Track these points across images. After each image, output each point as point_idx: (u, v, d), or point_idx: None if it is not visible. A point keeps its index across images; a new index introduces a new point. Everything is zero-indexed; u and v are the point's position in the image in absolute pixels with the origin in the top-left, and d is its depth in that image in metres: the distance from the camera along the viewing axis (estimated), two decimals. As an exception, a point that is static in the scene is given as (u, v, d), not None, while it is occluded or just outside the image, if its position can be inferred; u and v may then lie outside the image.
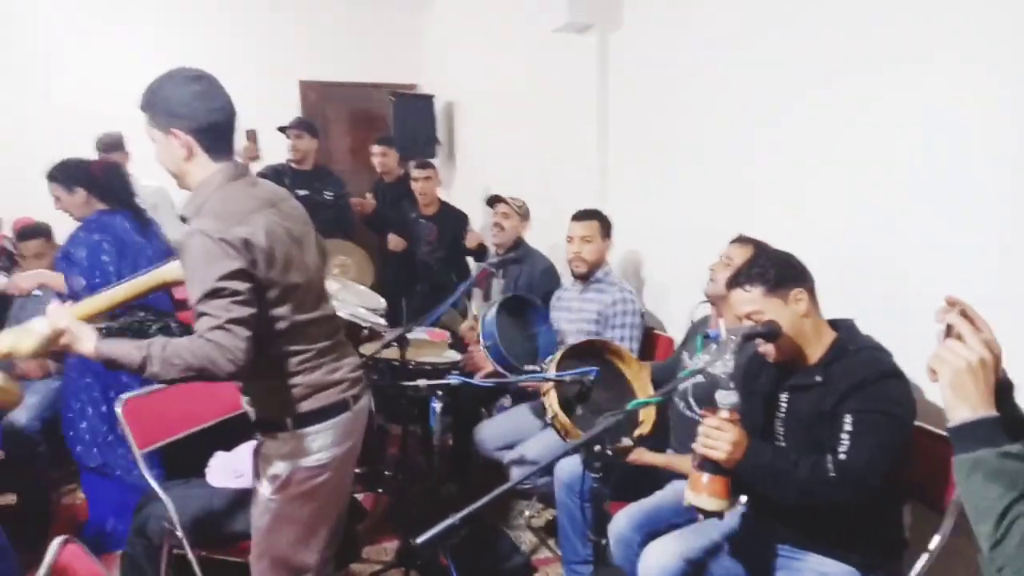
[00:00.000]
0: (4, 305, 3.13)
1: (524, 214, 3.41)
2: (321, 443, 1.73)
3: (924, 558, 1.68)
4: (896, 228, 2.01)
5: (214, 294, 1.49)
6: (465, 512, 1.45)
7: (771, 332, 1.68)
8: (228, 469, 2.37)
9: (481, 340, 2.63)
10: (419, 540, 1.40)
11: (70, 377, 2.78)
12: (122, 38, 5.60)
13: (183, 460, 2.44)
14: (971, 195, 1.80)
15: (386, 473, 2.97)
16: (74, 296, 2.58)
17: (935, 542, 1.67)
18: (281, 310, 1.64)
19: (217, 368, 1.49)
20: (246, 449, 2.45)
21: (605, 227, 2.90)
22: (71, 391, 2.76)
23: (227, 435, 2.49)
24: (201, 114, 1.60)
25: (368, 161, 4.96)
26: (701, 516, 1.58)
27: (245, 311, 1.52)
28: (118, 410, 2.17)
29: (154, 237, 2.92)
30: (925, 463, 1.67)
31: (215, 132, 1.63)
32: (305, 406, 1.71)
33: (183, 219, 1.67)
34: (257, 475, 1.79)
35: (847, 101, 2.15)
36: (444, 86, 5.68)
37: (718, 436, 1.54)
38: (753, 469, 1.57)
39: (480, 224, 4.53)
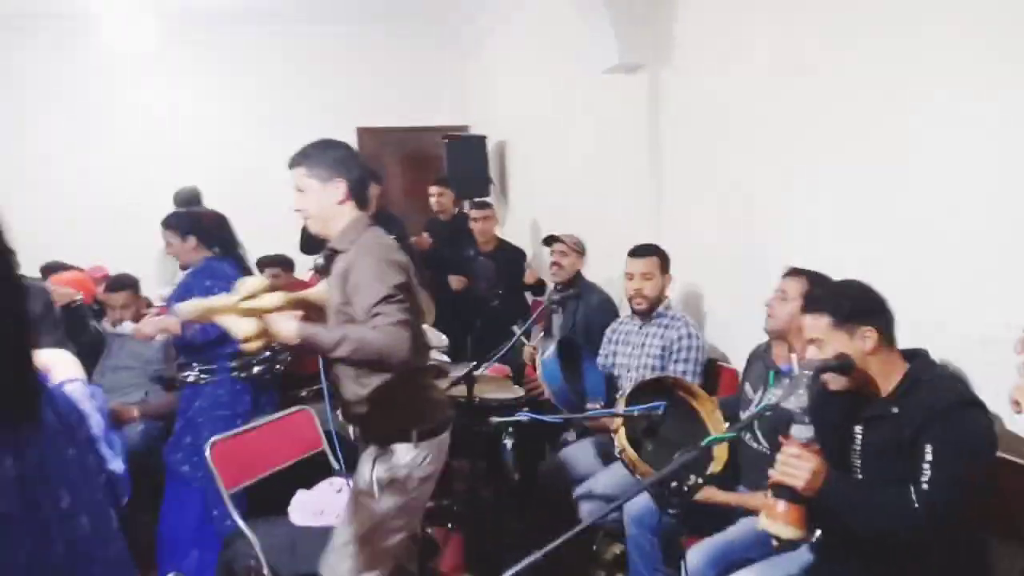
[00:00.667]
0: (98, 349, 3.33)
1: (581, 250, 3.47)
2: (431, 457, 1.99)
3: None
4: (965, 256, 2.00)
5: (389, 299, 1.79)
6: (547, 548, 1.49)
7: (844, 366, 1.68)
8: (309, 507, 2.47)
9: (546, 386, 2.66)
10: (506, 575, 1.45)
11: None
12: (189, 89, 5.95)
13: (264, 500, 2.54)
14: None
15: (455, 508, 3.02)
16: (190, 342, 2.85)
17: (1025, 576, 1.64)
18: (415, 328, 1.90)
19: (393, 355, 1.75)
20: (326, 487, 2.56)
21: (664, 262, 2.93)
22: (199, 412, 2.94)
23: (305, 475, 2.61)
24: (355, 169, 1.99)
25: (422, 202, 5.12)
26: (775, 543, 1.60)
27: (409, 316, 1.82)
28: (207, 452, 2.29)
29: None
30: (1009, 495, 1.65)
31: (362, 186, 2.01)
32: (425, 422, 1.98)
33: (335, 251, 1.98)
34: (362, 483, 1.98)
35: (904, 130, 2.16)
36: (495, 126, 5.83)
37: (797, 464, 1.56)
38: (834, 498, 1.58)
39: (534, 258, 4.62)
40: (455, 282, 4.47)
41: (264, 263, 4.61)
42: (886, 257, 2.25)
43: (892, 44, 2.17)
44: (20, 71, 5.54)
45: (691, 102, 3.26)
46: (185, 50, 5.85)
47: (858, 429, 1.77)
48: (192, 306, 1.75)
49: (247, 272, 3.11)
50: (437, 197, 4.85)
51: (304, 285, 3.44)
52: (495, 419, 2.33)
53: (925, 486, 1.56)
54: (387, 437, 1.96)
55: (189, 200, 4.35)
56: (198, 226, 3.06)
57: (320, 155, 1.97)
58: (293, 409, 2.69)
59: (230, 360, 2.98)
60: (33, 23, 5.31)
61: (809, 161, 2.56)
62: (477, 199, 4.46)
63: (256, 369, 2.97)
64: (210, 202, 4.42)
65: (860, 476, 1.75)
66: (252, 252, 4.63)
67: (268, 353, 3.04)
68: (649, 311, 2.90)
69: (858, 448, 1.76)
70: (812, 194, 2.55)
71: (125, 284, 3.34)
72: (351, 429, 3.06)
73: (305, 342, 1.76)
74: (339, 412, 2.13)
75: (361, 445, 2.06)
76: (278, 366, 3.13)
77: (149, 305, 4.09)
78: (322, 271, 2.06)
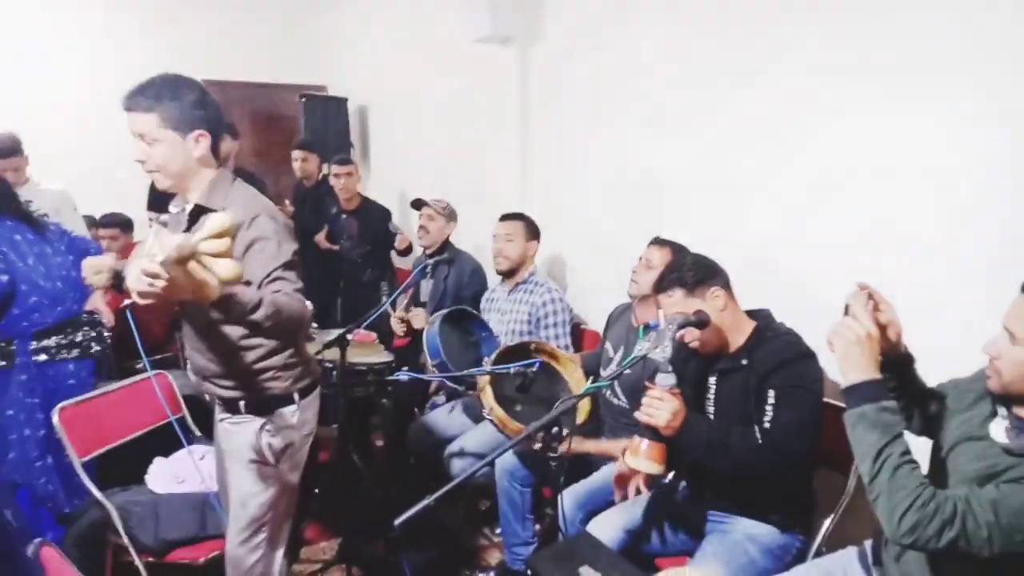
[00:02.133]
0: None
1: (449, 215, 3.50)
2: (311, 414, 1.98)
3: (832, 516, 1.93)
4: (805, 228, 2.28)
5: (290, 265, 1.72)
6: (438, 494, 1.55)
7: (701, 321, 1.88)
8: (170, 475, 2.34)
9: (427, 357, 2.67)
10: (397, 521, 1.49)
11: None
12: (16, 33, 5.26)
13: (116, 469, 2.38)
14: (857, 192, 2.09)
15: (325, 476, 2.99)
16: None
17: (841, 502, 1.93)
18: None
19: (301, 322, 1.69)
20: (185, 455, 2.43)
21: (530, 229, 3.04)
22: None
23: (158, 444, 2.46)
24: (215, 117, 1.76)
25: (277, 164, 4.92)
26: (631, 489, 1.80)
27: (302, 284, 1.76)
28: (55, 418, 2.10)
29: (55, 239, 2.75)
30: (831, 433, 1.93)
31: (218, 135, 1.80)
32: (305, 381, 1.94)
33: (202, 210, 1.73)
34: (252, 453, 1.88)
35: (755, 105, 2.41)
36: (355, 89, 5.68)
37: (660, 406, 1.74)
38: (690, 436, 1.77)
39: (401, 223, 4.60)
40: (320, 239, 4.35)
41: (100, 223, 4.22)
42: (731, 227, 2.52)
43: (748, 17, 2.39)
44: None
45: (560, 75, 3.39)
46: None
47: (712, 380, 1.98)
48: (177, 242, 1.33)
49: (38, 227, 2.71)
50: (301, 162, 4.67)
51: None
52: (376, 378, 2.31)
53: (767, 425, 1.79)
54: (269, 403, 1.87)
55: (6, 149, 3.84)
56: None
57: (176, 99, 1.68)
58: (150, 373, 2.52)
59: (32, 339, 2.60)
60: None
61: (670, 135, 2.77)
62: (339, 157, 4.34)
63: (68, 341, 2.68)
64: (39, 153, 3.96)
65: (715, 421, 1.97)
66: (85, 209, 4.23)
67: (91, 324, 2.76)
68: (510, 272, 3.01)
69: (712, 397, 1.98)
70: (672, 167, 2.77)
71: None
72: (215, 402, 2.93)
73: (226, 298, 1.49)
74: (198, 380, 1.97)
75: (224, 414, 1.92)
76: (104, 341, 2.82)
77: None
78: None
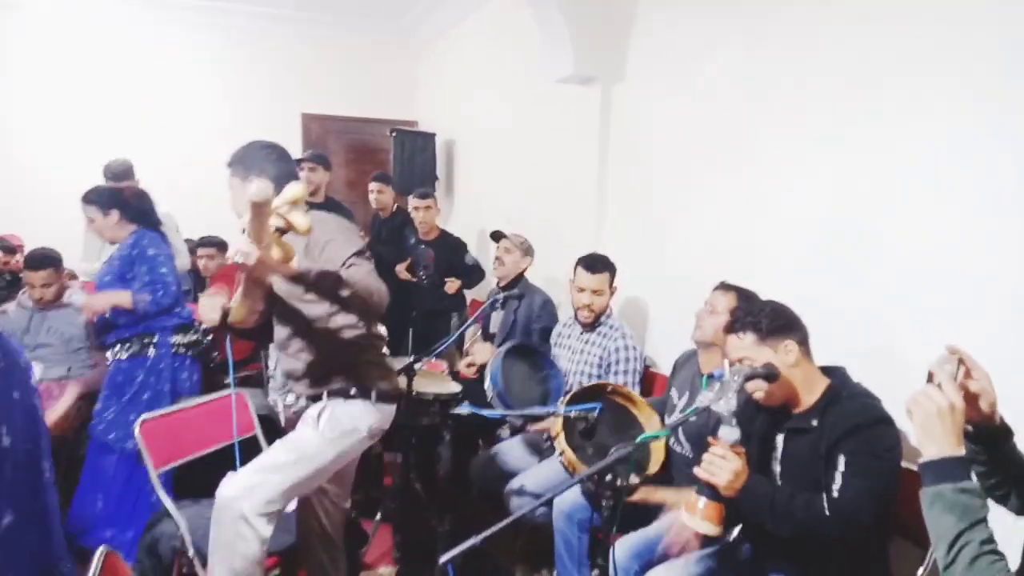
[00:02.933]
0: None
1: (526, 250, 3.53)
2: (381, 420, 2.13)
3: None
4: (889, 281, 2.16)
5: (361, 254, 1.92)
6: (485, 534, 1.55)
7: (770, 374, 1.81)
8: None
9: (488, 387, 2.69)
10: (443, 558, 1.49)
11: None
12: (135, 67, 5.74)
13: (193, 481, 2.49)
14: (961, 245, 1.96)
15: (385, 500, 3.03)
16: (143, 315, 2.93)
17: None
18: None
19: (380, 295, 1.87)
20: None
21: (613, 277, 2.96)
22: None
23: (231, 458, 2.56)
24: (275, 165, 2.06)
25: (365, 194, 5.09)
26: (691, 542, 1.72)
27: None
28: (136, 430, 2.23)
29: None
30: (910, 502, 1.80)
31: (285, 180, 1.96)
32: (384, 385, 2.13)
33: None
34: (312, 419, 2.08)
35: (840, 156, 2.32)
36: (442, 125, 5.85)
37: (722, 464, 1.67)
38: (752, 499, 1.70)
39: (478, 255, 4.68)
40: (400, 270, 4.45)
41: (199, 244, 4.50)
42: (812, 277, 2.42)
43: (838, 65, 2.32)
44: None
45: (640, 116, 3.38)
46: (132, 24, 5.64)
47: (780, 439, 1.89)
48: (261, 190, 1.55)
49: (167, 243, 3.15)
50: (376, 194, 4.82)
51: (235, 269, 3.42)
52: (438, 411, 2.34)
53: (836, 494, 1.69)
54: (348, 391, 2.06)
55: (120, 173, 4.18)
56: (119, 200, 3.05)
57: (242, 154, 2.07)
58: (227, 391, 2.64)
59: (173, 333, 3.03)
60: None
61: (750, 181, 2.70)
62: (420, 191, 4.47)
63: (192, 340, 3.01)
64: (147, 179, 4.28)
65: (779, 483, 1.87)
66: (187, 235, 4.53)
67: (204, 331, 3.04)
68: (594, 323, 2.97)
69: (778, 457, 1.89)
70: (746, 216, 2.70)
71: (48, 261, 3.20)
72: (282, 416, 3.05)
73: (308, 270, 1.78)
74: (281, 390, 2.14)
75: (306, 406, 2.13)
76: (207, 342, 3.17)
77: (73, 278, 3.93)
78: None
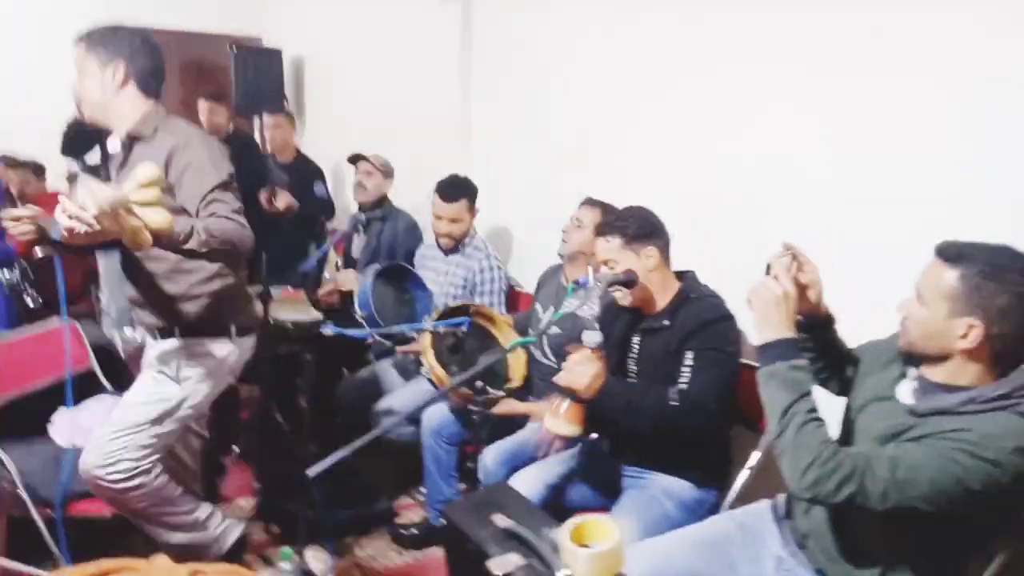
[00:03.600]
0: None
1: (387, 172, 3.42)
2: (244, 356, 2.02)
3: (746, 472, 1.99)
4: (746, 187, 2.31)
5: (225, 186, 1.74)
6: (354, 445, 1.53)
7: (629, 280, 1.90)
8: (75, 426, 2.23)
9: (358, 310, 2.63)
10: (311, 471, 1.47)
11: None
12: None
13: (18, 420, 2.25)
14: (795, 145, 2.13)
15: (244, 437, 2.91)
16: None
17: (754, 458, 1.99)
18: None
19: (243, 244, 1.70)
20: (94, 404, 2.33)
21: (472, 201, 2.93)
22: None
23: (62, 397, 2.34)
24: (143, 56, 1.84)
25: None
26: (557, 444, 1.82)
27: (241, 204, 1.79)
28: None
29: None
30: (748, 392, 1.98)
31: (151, 76, 1.87)
32: (243, 319, 1.99)
33: (133, 139, 1.85)
34: (165, 369, 1.91)
35: (701, 78, 2.42)
36: (292, 40, 5.46)
37: (580, 370, 1.75)
38: (610, 399, 1.79)
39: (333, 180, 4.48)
40: (265, 200, 4.05)
41: (10, 165, 3.97)
42: (672, 190, 2.53)
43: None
44: None
45: (503, 32, 3.33)
46: None
47: (636, 340, 2.00)
48: (107, 195, 1.39)
49: None
50: (208, 115, 4.40)
51: (54, 197, 3.05)
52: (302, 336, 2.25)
53: (683, 386, 1.83)
54: (201, 329, 1.91)
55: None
56: None
57: (104, 33, 1.84)
58: (56, 321, 2.39)
59: None
60: None
61: (613, 102, 2.76)
62: (271, 105, 4.16)
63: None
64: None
65: (635, 381, 1.99)
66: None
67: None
68: (455, 247, 2.95)
69: (635, 356, 2.00)
70: (614, 135, 2.77)
71: None
72: (121, 349, 2.81)
73: (157, 235, 1.55)
74: (120, 315, 1.94)
75: (155, 342, 1.94)
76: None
77: None
78: (94, 170, 1.88)
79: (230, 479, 2.88)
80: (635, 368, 2.00)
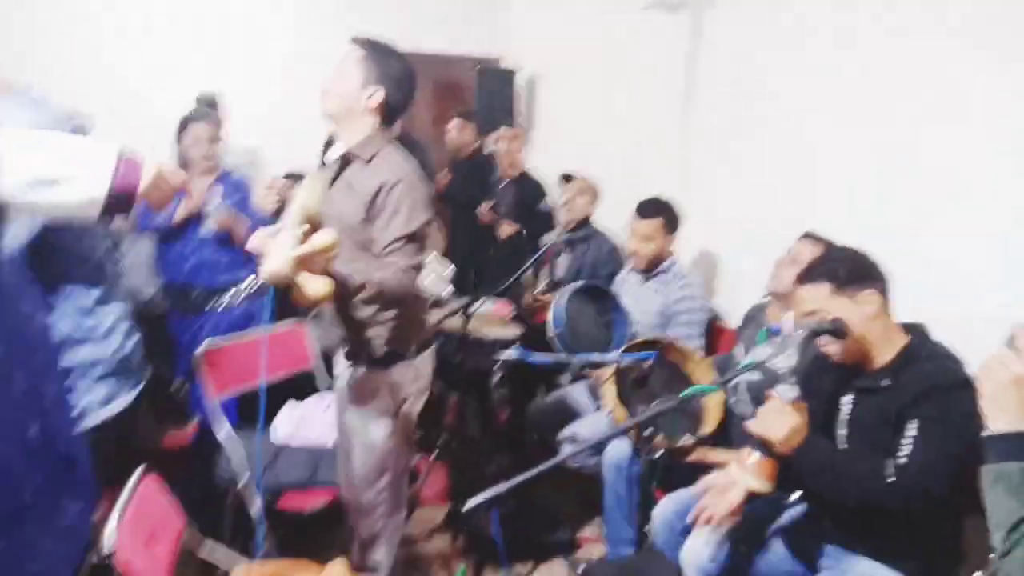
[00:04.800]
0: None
1: (595, 193, 3.38)
2: (427, 369, 2.04)
3: (981, 572, 1.61)
4: (980, 236, 1.91)
5: (412, 238, 1.80)
6: (512, 483, 1.49)
7: (838, 330, 1.63)
8: (294, 421, 2.49)
9: (550, 327, 2.61)
10: (466, 506, 1.45)
11: None
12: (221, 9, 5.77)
13: (248, 412, 2.55)
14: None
15: (443, 439, 3.04)
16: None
17: (993, 561, 1.60)
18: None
19: (407, 296, 1.81)
20: (315, 402, 2.58)
21: (670, 222, 2.78)
22: None
23: (291, 394, 2.61)
24: (400, 90, 1.90)
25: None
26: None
27: (420, 259, 1.86)
28: (198, 358, 2.30)
29: None
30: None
31: (396, 109, 1.93)
32: (421, 336, 2.01)
33: (351, 158, 1.89)
34: (374, 404, 1.97)
35: (943, 101, 2.04)
36: (527, 59, 5.65)
37: (777, 419, 1.54)
38: (809, 460, 1.56)
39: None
40: (483, 211, 4.32)
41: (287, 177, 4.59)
42: (904, 230, 2.17)
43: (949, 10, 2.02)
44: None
45: (731, 47, 3.11)
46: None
47: (847, 399, 1.73)
48: (274, 270, 1.49)
49: None
50: (457, 132, 4.71)
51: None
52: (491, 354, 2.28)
53: (902, 461, 1.53)
54: (386, 356, 1.95)
55: (209, 103, 4.31)
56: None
57: (381, 54, 1.89)
58: (287, 323, 2.70)
59: None
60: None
61: (851, 123, 2.43)
62: (459, 112, 4.34)
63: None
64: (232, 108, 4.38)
65: (844, 447, 1.71)
66: (273, 164, 4.60)
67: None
68: (647, 270, 2.81)
69: (845, 419, 1.73)
70: (846, 158, 2.44)
71: None
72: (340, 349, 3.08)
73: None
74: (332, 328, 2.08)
75: (347, 362, 2.03)
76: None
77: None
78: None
79: (428, 484, 3.02)
80: (844, 432, 1.72)
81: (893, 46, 2.23)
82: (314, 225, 1.56)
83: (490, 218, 4.34)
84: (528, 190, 4.27)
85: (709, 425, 2.20)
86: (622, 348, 2.30)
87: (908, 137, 2.17)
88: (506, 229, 4.16)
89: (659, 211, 2.76)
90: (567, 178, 3.42)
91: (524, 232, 4.19)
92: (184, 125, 2.82)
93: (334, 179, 1.93)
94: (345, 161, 1.91)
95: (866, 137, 2.33)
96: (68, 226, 1.60)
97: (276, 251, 1.50)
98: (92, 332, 1.73)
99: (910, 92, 2.16)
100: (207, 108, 4.28)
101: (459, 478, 2.89)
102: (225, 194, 2.76)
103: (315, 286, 1.54)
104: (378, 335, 1.92)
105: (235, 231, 2.73)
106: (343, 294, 1.66)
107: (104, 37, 5.36)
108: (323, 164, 4.68)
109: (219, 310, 2.82)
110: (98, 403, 1.76)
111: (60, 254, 1.62)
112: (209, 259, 2.78)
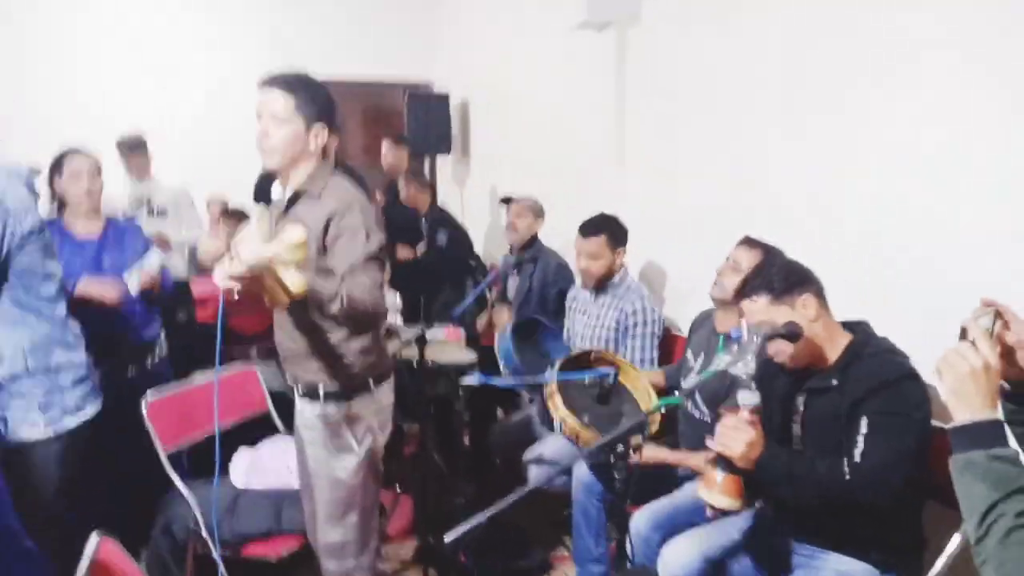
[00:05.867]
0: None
1: (538, 212, 3.42)
2: (387, 399, 2.02)
3: (943, 557, 1.68)
4: (920, 225, 2.01)
5: (374, 257, 1.79)
6: (492, 511, 1.48)
7: (792, 333, 1.69)
8: (251, 468, 2.41)
9: (501, 363, 2.62)
10: (448, 538, 1.44)
11: None
12: (138, 34, 5.60)
13: (202, 460, 2.46)
14: (997, 189, 1.80)
15: (404, 471, 3.00)
16: None
17: (954, 541, 1.67)
18: None
19: (377, 317, 1.83)
20: (269, 446, 2.50)
21: (615, 238, 2.79)
22: None
23: (244, 435, 2.53)
24: (335, 117, 1.89)
25: (379, 159, 5.00)
26: (710, 512, 1.62)
27: (384, 278, 1.85)
28: (143, 409, 2.20)
29: None
30: (943, 463, 1.68)
31: (332, 133, 1.90)
32: (381, 366, 1.98)
33: (298, 195, 1.86)
34: (337, 439, 1.93)
35: (866, 101, 2.15)
36: (458, 83, 5.69)
37: (734, 436, 1.57)
38: (769, 470, 1.59)
39: (490, 224, 4.57)
40: (401, 252, 4.38)
41: (225, 213, 4.46)
42: (840, 225, 2.26)
43: (868, 10, 2.13)
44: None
45: (659, 63, 3.18)
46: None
47: (800, 400, 1.78)
48: (252, 255, 1.46)
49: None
50: (390, 155, 4.74)
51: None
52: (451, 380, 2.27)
53: (858, 459, 1.58)
54: (346, 391, 1.91)
55: (132, 145, 4.16)
56: None
57: (313, 91, 1.83)
58: (237, 367, 2.61)
59: None
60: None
61: (774, 127, 2.52)
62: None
63: None
64: (158, 141, 4.26)
65: (800, 447, 1.77)
66: (199, 194, 4.47)
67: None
68: (598, 287, 2.83)
69: (799, 419, 1.78)
70: (775, 162, 2.53)
71: None
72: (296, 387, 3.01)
73: (308, 295, 1.61)
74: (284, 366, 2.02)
75: (303, 400, 1.97)
76: None
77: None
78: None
79: (393, 518, 2.96)
80: (799, 433, 1.77)
81: (816, 43, 2.33)
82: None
83: (405, 256, 4.38)
84: (434, 222, 4.34)
85: (653, 426, 2.20)
86: (557, 364, 2.30)
87: (838, 133, 2.27)
88: (401, 251, 4.23)
89: (601, 228, 2.78)
90: (507, 200, 3.43)
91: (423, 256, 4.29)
92: (59, 161, 2.47)
93: (282, 216, 1.89)
94: (293, 198, 1.88)
95: (797, 137, 2.43)
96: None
97: (248, 240, 1.46)
98: (65, 337, 1.97)
99: (838, 90, 2.26)
100: (134, 145, 4.15)
101: (425, 510, 2.85)
102: (127, 246, 2.54)
103: (293, 279, 1.51)
104: (346, 366, 1.89)
105: (156, 286, 2.54)
106: (314, 311, 1.65)
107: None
108: (257, 199, 4.60)
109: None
110: (72, 408, 1.97)
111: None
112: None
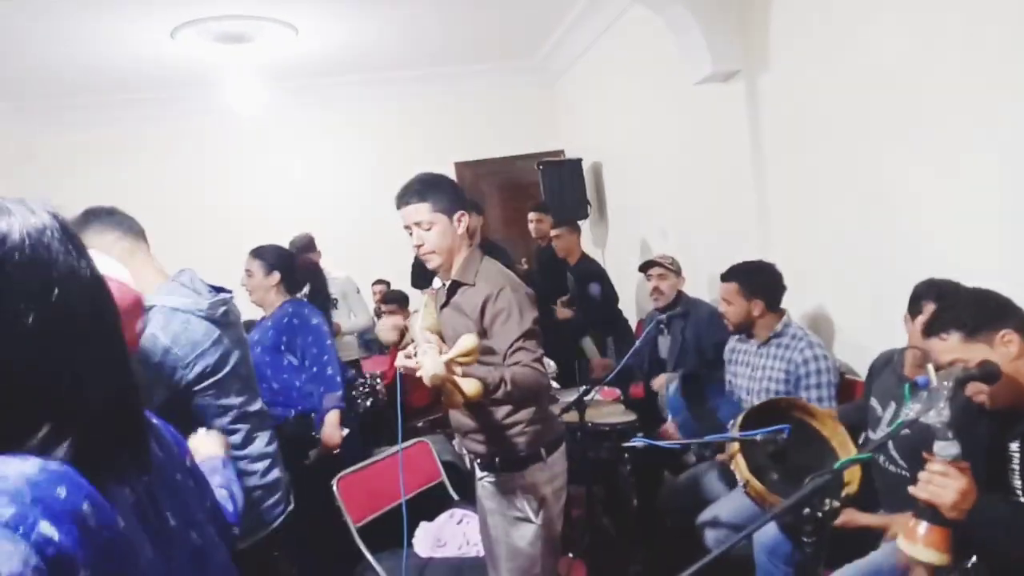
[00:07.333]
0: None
1: (677, 270, 3.40)
2: (560, 469, 2.05)
3: None
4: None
5: (530, 335, 1.89)
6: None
7: (988, 373, 1.55)
8: (432, 539, 2.51)
9: (669, 415, 2.60)
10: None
11: None
12: (300, 146, 6.32)
13: (375, 534, 2.58)
14: None
15: (575, 536, 2.98)
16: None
17: None
18: None
19: (540, 392, 1.91)
20: (447, 518, 2.60)
21: (747, 286, 2.72)
22: None
23: (419, 509, 2.64)
24: (464, 199, 2.03)
25: (521, 229, 5.20)
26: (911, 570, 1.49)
27: (542, 352, 1.93)
28: (335, 486, 2.38)
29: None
30: None
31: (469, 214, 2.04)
32: (549, 437, 2.03)
33: (457, 284, 2.00)
34: (515, 509, 2.00)
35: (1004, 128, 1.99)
36: (589, 148, 5.83)
37: (943, 482, 1.45)
38: (986, 523, 1.45)
39: (636, 282, 4.56)
40: (559, 310, 4.47)
41: (385, 300, 4.82)
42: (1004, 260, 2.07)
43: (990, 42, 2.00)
44: (141, 139, 5.98)
45: (791, 106, 3.13)
46: (295, 109, 6.19)
47: (1014, 447, 1.61)
48: (434, 369, 1.61)
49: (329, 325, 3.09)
50: (536, 223, 4.90)
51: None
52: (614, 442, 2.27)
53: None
54: (521, 460, 1.98)
55: (305, 246, 4.59)
56: (287, 265, 2.89)
57: (439, 189, 1.98)
58: (412, 441, 2.76)
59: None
60: (154, 94, 5.77)
61: (914, 157, 2.39)
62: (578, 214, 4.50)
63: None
64: (326, 248, 4.68)
65: (1020, 499, 1.59)
66: (365, 287, 4.87)
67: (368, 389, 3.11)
68: (741, 331, 2.78)
69: (1016, 467, 1.61)
70: (922, 191, 2.38)
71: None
72: (467, 459, 3.12)
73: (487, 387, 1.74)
74: (459, 439, 2.14)
75: (482, 472, 2.06)
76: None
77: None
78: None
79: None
80: (1020, 483, 1.60)
81: (946, 74, 2.20)
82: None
83: (565, 315, 4.45)
84: (584, 274, 4.37)
85: (852, 485, 2.07)
86: (736, 421, 2.23)
87: (992, 169, 2.10)
88: (561, 312, 4.30)
89: (733, 275, 2.76)
90: (647, 265, 3.43)
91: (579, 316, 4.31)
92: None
93: (444, 304, 2.06)
94: (453, 287, 2.03)
95: (950, 176, 2.27)
96: None
97: (428, 358, 1.61)
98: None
99: (993, 119, 2.10)
100: (306, 245, 4.59)
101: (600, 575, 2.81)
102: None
103: (468, 386, 1.66)
104: (516, 437, 1.97)
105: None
106: (483, 395, 1.73)
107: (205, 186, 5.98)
108: (414, 285, 4.93)
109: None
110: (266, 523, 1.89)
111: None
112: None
